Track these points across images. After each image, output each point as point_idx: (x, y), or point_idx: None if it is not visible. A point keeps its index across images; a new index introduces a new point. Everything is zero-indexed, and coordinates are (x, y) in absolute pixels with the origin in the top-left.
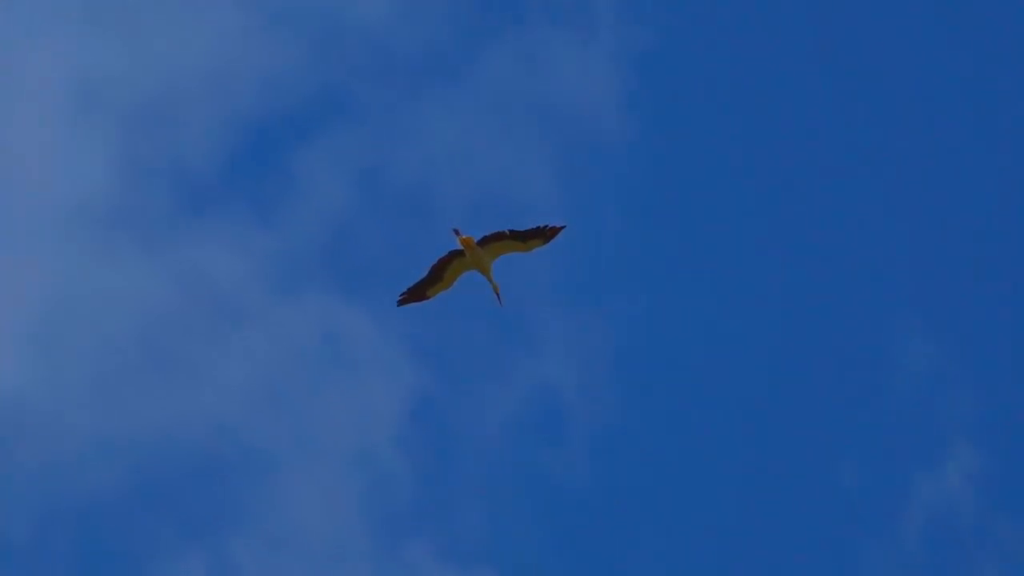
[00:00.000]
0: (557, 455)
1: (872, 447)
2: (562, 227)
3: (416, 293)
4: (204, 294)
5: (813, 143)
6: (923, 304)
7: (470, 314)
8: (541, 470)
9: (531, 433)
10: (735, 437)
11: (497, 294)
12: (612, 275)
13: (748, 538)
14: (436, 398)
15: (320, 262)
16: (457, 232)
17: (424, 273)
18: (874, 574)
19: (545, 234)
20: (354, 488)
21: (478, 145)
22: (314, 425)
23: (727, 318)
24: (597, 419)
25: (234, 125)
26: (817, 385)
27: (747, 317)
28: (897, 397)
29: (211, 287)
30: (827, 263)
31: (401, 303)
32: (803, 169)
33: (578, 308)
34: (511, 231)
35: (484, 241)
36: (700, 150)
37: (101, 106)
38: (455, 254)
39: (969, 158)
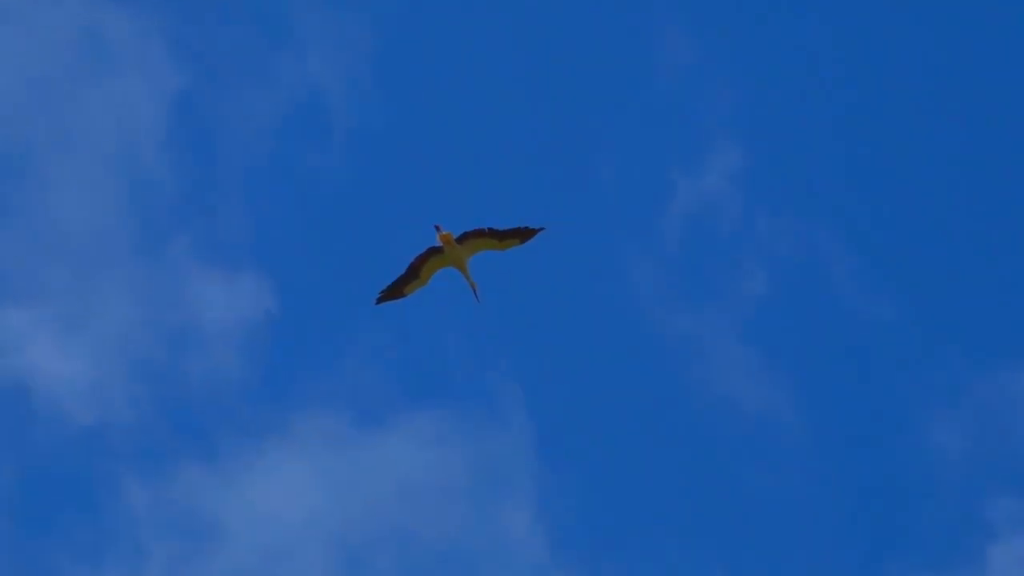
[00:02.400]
0: (321, 156)
1: (631, 146)
2: (540, 229)
3: (393, 291)
4: None
5: None
6: None
7: (232, 16)
8: (305, 171)
9: (295, 133)
10: (485, 128)
11: (474, 291)
12: None
13: None
14: (199, 99)
15: None
16: (438, 228)
17: (402, 271)
18: (636, 275)
19: (522, 234)
20: (115, 188)
21: None
22: (75, 125)
23: (486, 17)
24: (360, 119)
25: None
26: (574, 82)
27: (503, 15)
28: (657, 94)
29: None
30: None
31: (379, 302)
32: None
33: (341, 7)
34: (490, 229)
35: (463, 238)
36: None
37: None
38: (433, 251)
39: None
